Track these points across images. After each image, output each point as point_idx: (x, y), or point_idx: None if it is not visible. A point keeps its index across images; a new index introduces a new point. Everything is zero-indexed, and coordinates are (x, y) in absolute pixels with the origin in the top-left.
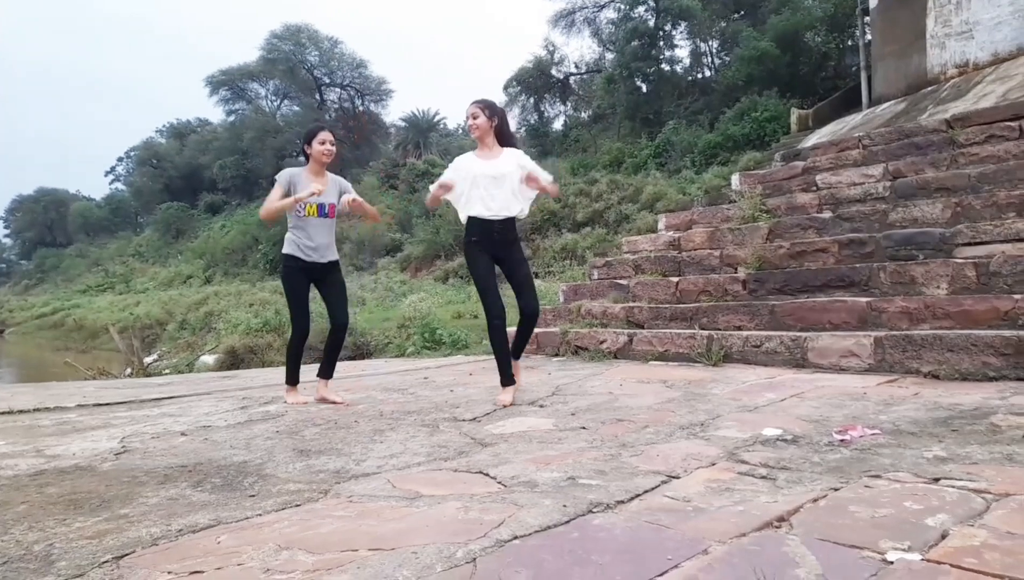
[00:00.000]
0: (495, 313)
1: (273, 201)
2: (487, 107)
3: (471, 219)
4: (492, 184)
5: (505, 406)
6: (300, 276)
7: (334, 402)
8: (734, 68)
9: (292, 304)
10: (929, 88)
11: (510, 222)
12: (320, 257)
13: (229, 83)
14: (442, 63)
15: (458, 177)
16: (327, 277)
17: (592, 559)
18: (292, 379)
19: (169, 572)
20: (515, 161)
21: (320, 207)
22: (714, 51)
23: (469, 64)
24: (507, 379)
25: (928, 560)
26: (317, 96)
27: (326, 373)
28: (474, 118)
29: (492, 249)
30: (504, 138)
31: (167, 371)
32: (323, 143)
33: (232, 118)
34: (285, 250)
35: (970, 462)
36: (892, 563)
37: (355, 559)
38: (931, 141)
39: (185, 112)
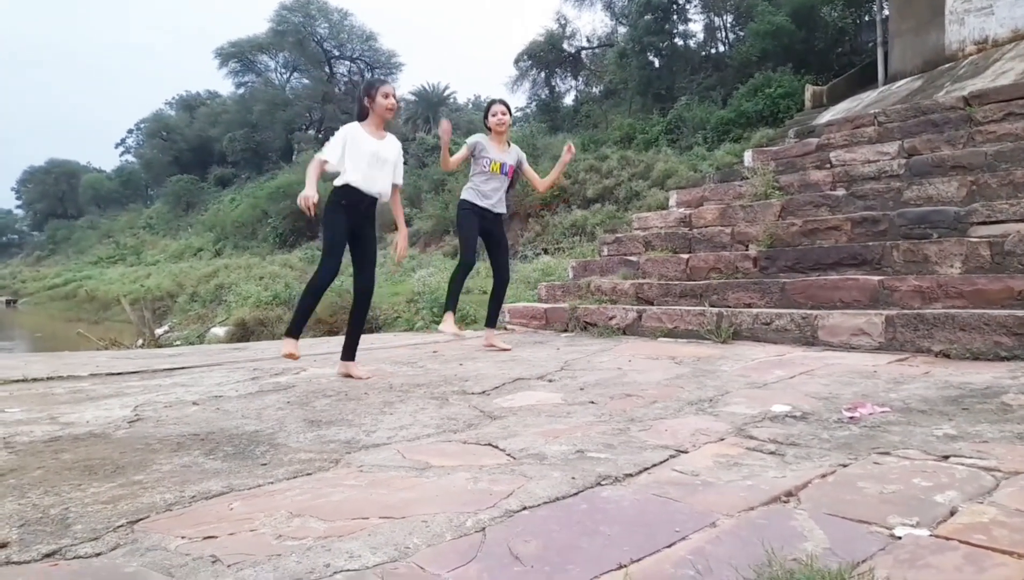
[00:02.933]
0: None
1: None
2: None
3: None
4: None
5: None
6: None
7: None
8: (748, 43)
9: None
10: (946, 65)
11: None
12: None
13: (239, 55)
14: (452, 37)
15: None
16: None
17: (600, 530)
18: (450, 306)
19: (183, 537)
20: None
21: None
22: (728, 25)
23: (479, 38)
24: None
25: (936, 536)
26: (326, 69)
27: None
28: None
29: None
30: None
31: (178, 342)
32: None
33: (242, 91)
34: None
35: (980, 440)
36: (900, 538)
37: (366, 527)
38: (948, 118)
39: (195, 84)
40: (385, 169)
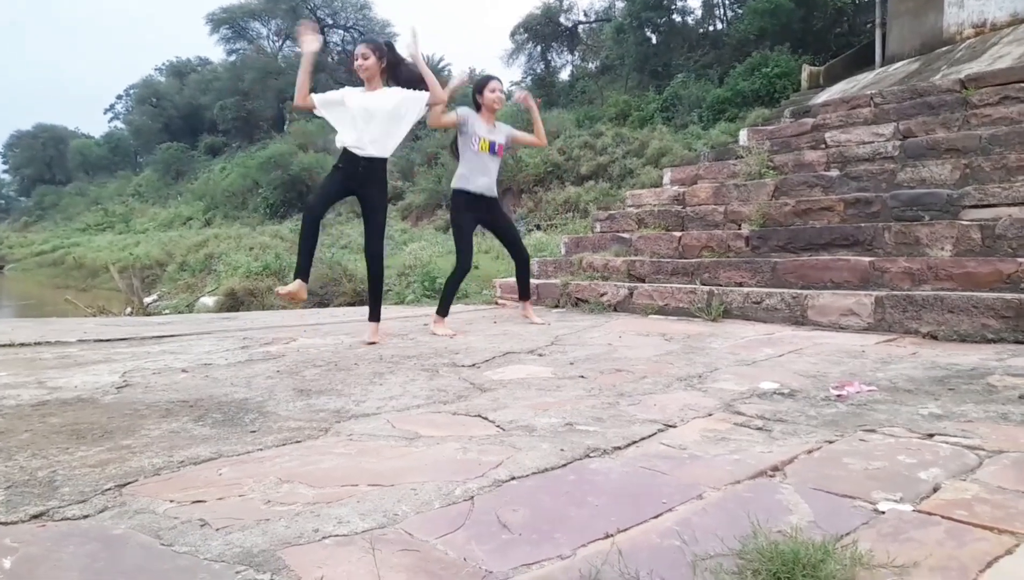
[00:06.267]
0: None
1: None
2: None
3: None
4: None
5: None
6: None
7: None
8: (746, 21)
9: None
10: (944, 48)
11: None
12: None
13: (230, 21)
14: (448, 7)
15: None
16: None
17: (588, 500)
18: (443, 311)
19: (171, 501)
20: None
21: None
22: (727, 3)
23: (475, 9)
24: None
25: (919, 511)
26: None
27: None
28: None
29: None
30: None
31: (167, 311)
32: (493, 91)
33: (233, 58)
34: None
35: (965, 420)
36: (883, 513)
37: (355, 493)
38: (944, 101)
39: (185, 50)
40: (377, 122)
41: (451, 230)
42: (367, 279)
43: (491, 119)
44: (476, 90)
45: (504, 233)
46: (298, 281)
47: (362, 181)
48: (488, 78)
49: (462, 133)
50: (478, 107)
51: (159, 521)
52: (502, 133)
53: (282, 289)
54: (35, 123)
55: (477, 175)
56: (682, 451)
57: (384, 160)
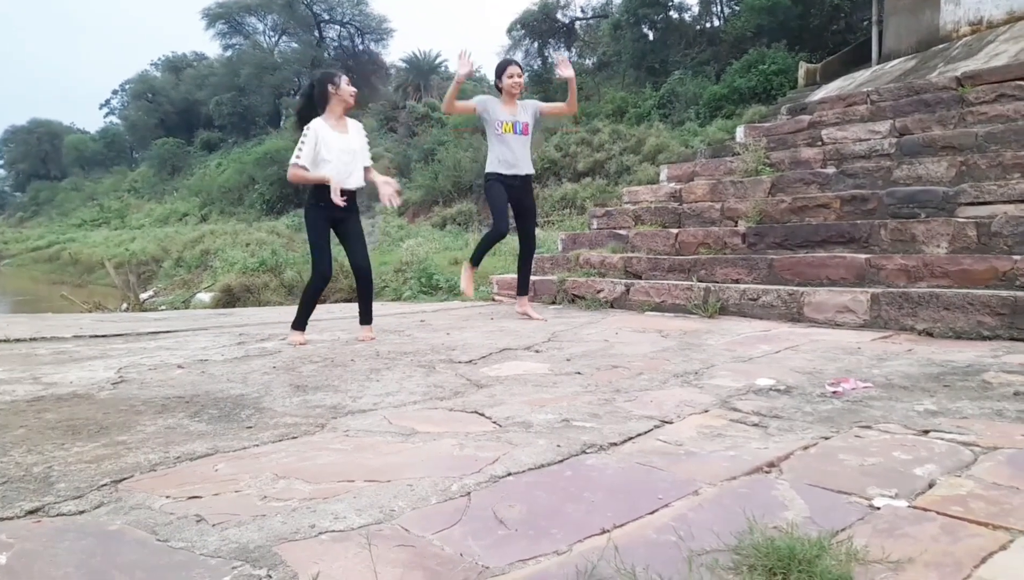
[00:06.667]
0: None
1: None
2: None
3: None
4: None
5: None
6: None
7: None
8: (743, 18)
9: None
10: (940, 46)
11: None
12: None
13: (226, 16)
14: (444, 2)
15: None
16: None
17: (584, 496)
18: (474, 261)
19: (167, 496)
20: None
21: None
22: None
23: (473, 4)
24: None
25: (914, 507)
26: (316, 33)
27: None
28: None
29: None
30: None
31: (163, 307)
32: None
33: (229, 53)
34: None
35: (960, 416)
36: (879, 508)
37: (351, 489)
38: (940, 99)
39: (181, 45)
40: (356, 159)
41: (448, 227)
42: (358, 290)
43: (513, 101)
44: (496, 75)
45: (521, 216)
46: (300, 334)
47: (347, 209)
48: (507, 63)
49: (485, 121)
50: (500, 91)
51: (155, 517)
52: (527, 111)
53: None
54: (30, 118)
55: (506, 156)
56: (678, 447)
57: None
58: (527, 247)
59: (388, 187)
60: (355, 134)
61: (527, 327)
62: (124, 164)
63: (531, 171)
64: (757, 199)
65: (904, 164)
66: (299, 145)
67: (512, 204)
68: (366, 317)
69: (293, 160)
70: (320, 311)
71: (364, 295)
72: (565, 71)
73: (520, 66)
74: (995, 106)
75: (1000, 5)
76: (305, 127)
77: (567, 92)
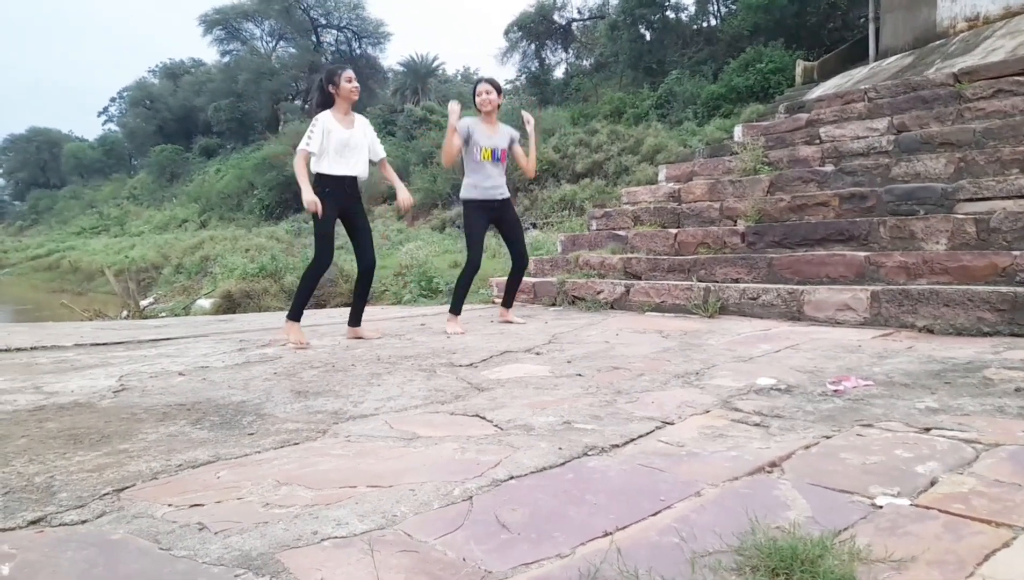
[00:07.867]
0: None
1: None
2: (497, 87)
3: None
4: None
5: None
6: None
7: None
8: (740, 16)
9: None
10: (937, 42)
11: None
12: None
13: (223, 22)
14: (441, 5)
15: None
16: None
17: (587, 499)
18: (456, 310)
19: (169, 505)
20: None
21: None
22: None
23: (469, 8)
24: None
25: (917, 505)
26: (313, 38)
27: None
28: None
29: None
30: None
31: (164, 314)
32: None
33: (227, 59)
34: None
35: (961, 413)
36: (881, 507)
37: (354, 495)
38: (937, 95)
39: (179, 52)
40: (358, 152)
41: (447, 230)
42: (358, 287)
43: (491, 120)
44: (472, 95)
45: (508, 232)
46: (296, 325)
47: (351, 196)
48: (478, 80)
49: (466, 144)
50: (479, 110)
51: (157, 525)
52: (504, 136)
53: (295, 337)
54: (28, 126)
55: (483, 183)
56: (680, 448)
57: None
58: (518, 264)
59: (404, 193)
60: (360, 128)
61: (527, 329)
62: (123, 171)
63: (507, 196)
64: (756, 198)
65: (902, 161)
66: (308, 133)
67: (497, 226)
68: (357, 318)
69: (302, 145)
70: (320, 316)
71: (364, 293)
72: (527, 126)
73: (491, 82)
74: (992, 102)
75: (996, 0)
76: (312, 119)
77: (531, 144)
